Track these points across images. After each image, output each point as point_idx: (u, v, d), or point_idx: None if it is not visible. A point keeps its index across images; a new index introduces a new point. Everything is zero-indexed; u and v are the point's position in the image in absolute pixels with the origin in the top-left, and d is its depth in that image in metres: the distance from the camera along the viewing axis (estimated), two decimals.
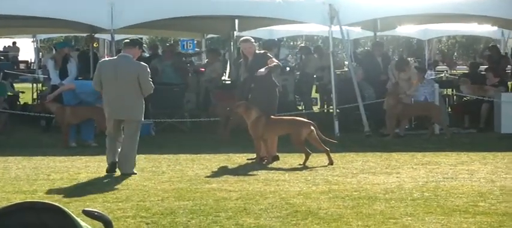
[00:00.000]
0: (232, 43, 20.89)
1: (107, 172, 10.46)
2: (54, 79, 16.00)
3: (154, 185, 9.62)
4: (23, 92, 21.15)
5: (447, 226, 7.28)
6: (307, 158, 11.27)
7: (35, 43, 29.52)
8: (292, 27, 25.36)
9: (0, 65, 30.54)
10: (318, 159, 11.47)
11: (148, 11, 15.23)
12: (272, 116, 11.73)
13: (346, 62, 20.88)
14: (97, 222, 3.33)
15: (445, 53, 55.60)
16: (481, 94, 16.67)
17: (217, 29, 21.79)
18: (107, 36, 24.11)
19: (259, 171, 10.70)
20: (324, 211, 7.90)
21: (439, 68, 36.42)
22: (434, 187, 9.31)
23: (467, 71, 22.34)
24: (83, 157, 12.10)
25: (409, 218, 7.58)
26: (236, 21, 19.76)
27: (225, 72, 20.86)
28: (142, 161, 11.37)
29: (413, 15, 17.99)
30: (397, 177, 10.15)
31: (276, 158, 11.72)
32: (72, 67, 16.00)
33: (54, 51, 19.59)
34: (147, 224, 7.49)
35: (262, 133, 11.54)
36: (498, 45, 23.84)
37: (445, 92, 19.40)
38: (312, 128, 11.44)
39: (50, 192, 9.33)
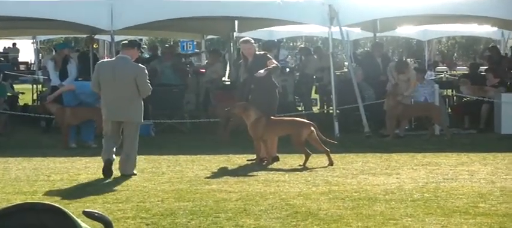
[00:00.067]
0: (232, 44, 20.90)
1: (103, 172, 10.33)
2: (54, 80, 16.00)
3: (154, 186, 9.62)
4: (23, 93, 21.15)
5: (447, 227, 7.28)
6: (307, 159, 11.27)
7: (35, 44, 29.54)
8: (291, 28, 25.36)
9: (0, 66, 30.58)
10: (318, 160, 11.47)
11: (148, 12, 15.23)
12: (272, 117, 11.73)
13: (346, 63, 20.90)
14: (97, 223, 3.33)
15: (444, 54, 55.64)
16: (481, 95, 16.67)
17: (217, 30, 21.80)
18: (106, 37, 24.15)
19: (259, 172, 10.70)
20: (324, 212, 7.90)
21: (439, 68, 36.41)
22: (434, 188, 9.31)
23: (467, 72, 22.34)
24: (83, 158, 12.09)
25: (409, 219, 7.57)
26: (236, 22, 19.76)
27: (225, 73, 20.85)
28: (142, 161, 11.37)
29: (413, 16, 17.99)
30: (397, 178, 10.15)
31: (276, 159, 11.72)
32: (72, 68, 16.00)
33: (54, 53, 19.61)
34: (147, 225, 7.49)
35: (262, 134, 11.54)
36: (498, 46, 23.82)
37: (445, 93, 19.41)
38: (312, 128, 11.44)
39: (50, 193, 9.33)
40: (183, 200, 8.65)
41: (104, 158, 10.44)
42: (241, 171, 10.82)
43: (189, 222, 7.54)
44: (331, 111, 16.62)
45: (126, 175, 10.40)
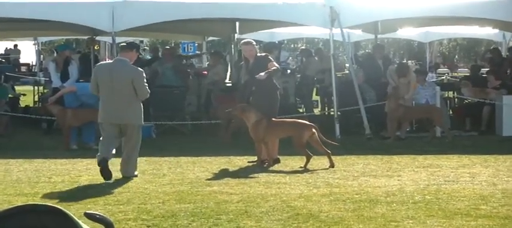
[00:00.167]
0: (232, 46, 20.90)
1: (101, 174, 10.14)
2: (56, 81, 16.02)
3: (155, 188, 9.62)
4: (24, 95, 21.16)
5: None
6: (308, 161, 11.27)
7: (36, 46, 29.57)
8: (293, 30, 25.36)
9: (2, 68, 30.61)
10: (319, 161, 11.47)
11: (149, 13, 15.24)
12: (273, 119, 11.73)
13: (347, 65, 20.91)
14: (98, 224, 3.33)
15: (446, 56, 55.61)
16: (482, 97, 16.66)
17: (218, 31, 21.80)
18: (108, 39, 24.13)
19: (260, 174, 10.69)
20: (325, 214, 7.90)
21: (440, 70, 36.40)
22: (435, 190, 9.30)
23: (468, 74, 22.33)
24: (84, 160, 12.09)
25: (410, 221, 7.57)
26: (237, 23, 19.76)
27: (227, 75, 20.85)
28: (143, 163, 11.37)
29: (414, 18, 17.99)
30: (398, 180, 10.15)
31: (277, 161, 11.71)
32: (73, 69, 16.02)
33: (55, 54, 19.61)
34: (148, 226, 7.49)
35: (264, 136, 11.54)
36: (499, 48, 23.81)
37: (446, 95, 19.40)
38: (314, 130, 11.43)
39: (51, 194, 9.33)
40: (184, 201, 8.65)
41: (98, 158, 10.23)
42: (242, 173, 10.82)
43: (190, 224, 7.54)
44: (332, 113, 16.61)
45: (127, 177, 10.39)
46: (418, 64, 33.17)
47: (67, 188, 9.81)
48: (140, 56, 15.83)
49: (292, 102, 18.27)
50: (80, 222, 3.17)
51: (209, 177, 10.46)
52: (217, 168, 11.31)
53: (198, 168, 11.31)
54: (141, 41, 45.92)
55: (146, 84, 10.60)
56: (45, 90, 20.11)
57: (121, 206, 8.42)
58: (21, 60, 41.30)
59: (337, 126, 15.05)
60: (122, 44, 11.23)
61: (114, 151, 10.52)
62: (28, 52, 38.48)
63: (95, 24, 15.56)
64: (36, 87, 22.26)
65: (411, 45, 54.17)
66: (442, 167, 11.34)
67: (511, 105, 15.66)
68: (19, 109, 18.80)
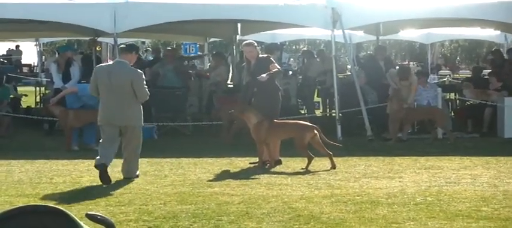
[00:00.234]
0: (234, 47, 20.90)
1: (100, 179, 10.08)
2: (57, 82, 16.03)
3: (157, 189, 9.62)
4: (26, 96, 21.17)
5: None
6: (309, 162, 11.27)
7: (38, 46, 29.58)
8: (294, 31, 25.36)
9: (3, 69, 30.63)
10: (321, 163, 11.46)
11: (151, 14, 15.24)
12: (275, 120, 11.73)
13: (349, 66, 20.90)
14: (100, 225, 3.34)
15: (447, 57, 55.63)
16: (484, 98, 16.65)
17: (220, 32, 21.81)
18: (109, 40, 24.17)
19: (262, 175, 10.69)
20: (326, 215, 7.90)
21: (441, 72, 36.43)
22: (437, 192, 9.30)
23: (470, 75, 22.32)
24: (85, 161, 12.09)
25: (411, 223, 7.57)
26: (238, 25, 19.76)
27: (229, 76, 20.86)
28: (144, 164, 11.37)
29: (416, 19, 17.98)
30: (399, 181, 10.14)
31: (279, 162, 11.71)
32: (75, 70, 16.03)
33: (57, 55, 19.61)
34: (150, 227, 7.49)
35: (265, 137, 11.54)
36: (501, 50, 23.81)
37: (447, 96, 19.40)
38: (316, 132, 11.43)
39: (52, 195, 9.34)
40: (185, 203, 8.65)
41: (97, 161, 10.16)
42: (244, 175, 10.82)
43: (191, 225, 7.55)
44: (333, 114, 16.60)
45: (128, 178, 10.39)
46: (420, 65, 33.20)
47: (68, 189, 9.82)
48: (141, 57, 15.81)
49: (294, 103, 18.26)
50: (81, 223, 3.18)
51: (210, 179, 10.46)
52: (218, 170, 11.31)
53: (199, 170, 11.32)
54: (143, 42, 45.94)
55: (146, 86, 10.58)
56: (47, 91, 20.12)
57: (122, 207, 8.42)
58: (23, 61, 41.32)
59: (338, 127, 15.05)
60: (121, 46, 11.22)
61: (112, 155, 10.45)
62: (30, 53, 38.51)
63: (96, 25, 15.56)
64: (37, 88, 22.26)
65: (413, 47, 54.17)
66: (444, 168, 11.34)
67: None
68: (21, 110, 18.81)
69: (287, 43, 41.16)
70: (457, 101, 19.37)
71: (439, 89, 16.44)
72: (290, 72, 22.94)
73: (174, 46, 35.19)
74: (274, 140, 11.70)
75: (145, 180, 10.29)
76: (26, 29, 20.18)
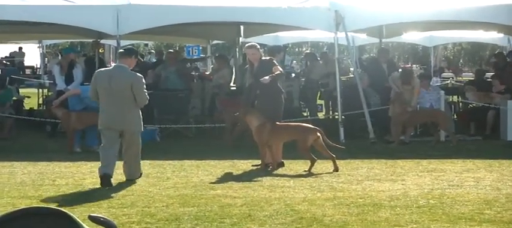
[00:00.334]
0: (237, 49, 20.91)
1: (101, 186, 10.10)
2: (60, 84, 16.04)
3: (159, 191, 9.62)
4: (28, 97, 21.19)
5: None
6: (312, 165, 11.26)
7: (40, 48, 29.57)
8: (297, 34, 25.36)
9: (6, 71, 30.64)
10: (323, 165, 11.46)
11: (153, 17, 15.24)
12: (277, 122, 11.73)
13: (352, 69, 20.89)
14: (102, 227, 3.33)
15: (450, 60, 55.60)
16: (487, 101, 16.65)
17: (223, 35, 21.82)
18: (112, 42, 24.17)
19: (264, 177, 10.69)
20: (328, 218, 7.89)
21: (444, 74, 36.41)
22: (439, 194, 9.29)
23: (473, 78, 22.31)
24: (88, 163, 12.09)
25: (414, 226, 7.56)
26: (241, 27, 19.77)
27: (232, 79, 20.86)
28: (147, 166, 11.37)
29: (419, 22, 17.98)
30: (402, 184, 10.13)
31: (281, 165, 11.70)
32: (77, 72, 16.04)
33: (60, 57, 19.62)
34: None
35: (267, 139, 11.53)
36: (504, 52, 23.79)
37: (450, 99, 19.38)
38: (318, 134, 11.42)
39: (55, 197, 9.34)
40: (188, 205, 8.65)
41: (100, 172, 10.18)
42: (246, 177, 10.81)
43: (193, 227, 7.54)
44: (336, 117, 16.60)
45: (131, 180, 10.39)
46: (423, 68, 33.19)
47: (71, 191, 9.82)
48: (144, 59, 15.80)
49: (297, 106, 18.26)
50: (83, 225, 3.18)
51: (213, 181, 10.46)
52: (221, 172, 11.31)
53: (202, 172, 11.31)
54: (146, 44, 45.96)
55: (146, 90, 10.55)
56: (50, 93, 20.14)
57: (125, 209, 8.42)
58: (26, 63, 41.38)
59: (341, 130, 15.05)
60: (120, 50, 11.19)
61: (115, 161, 10.41)
62: (33, 55, 38.55)
63: (99, 27, 15.56)
64: (40, 90, 22.30)
65: (416, 50, 54.19)
66: (446, 171, 11.32)
67: None
68: (23, 112, 18.81)
69: (290, 45, 41.19)
70: (460, 104, 19.36)
71: (442, 92, 16.44)
72: (293, 75, 22.93)
73: (177, 48, 35.17)
74: (277, 143, 11.70)
75: (148, 183, 10.29)
76: (29, 31, 20.19)
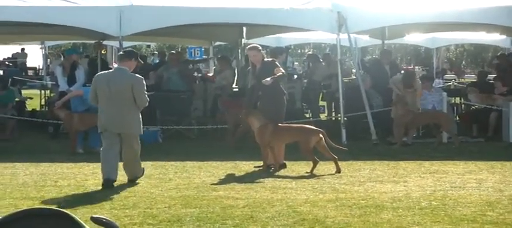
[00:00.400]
0: (239, 51, 20.91)
1: (103, 187, 10.12)
2: (62, 86, 16.06)
3: (161, 192, 9.62)
4: (31, 98, 21.20)
5: None
6: (314, 166, 11.26)
7: (43, 50, 29.62)
8: (300, 35, 25.38)
9: (9, 72, 30.68)
10: (325, 167, 11.46)
11: (156, 18, 15.25)
12: (280, 124, 11.72)
13: (354, 70, 20.89)
14: None
15: (453, 62, 55.55)
16: (489, 103, 16.64)
17: (225, 36, 21.83)
18: (115, 43, 24.18)
19: (266, 179, 10.69)
20: (331, 219, 7.89)
21: (447, 76, 36.35)
22: (442, 196, 9.29)
23: (475, 80, 22.30)
24: (90, 164, 12.10)
25: (416, 227, 7.56)
26: (244, 28, 19.77)
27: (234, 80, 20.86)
28: (149, 168, 11.37)
29: (421, 24, 17.98)
30: (404, 185, 10.13)
31: (283, 166, 11.70)
32: (80, 74, 16.05)
33: (62, 58, 19.63)
34: None
35: (269, 141, 11.53)
36: (506, 54, 23.77)
37: (453, 101, 19.37)
38: (321, 135, 11.42)
39: (57, 198, 9.34)
40: (190, 206, 8.65)
41: (103, 177, 10.19)
42: (249, 178, 10.81)
43: None
44: (338, 118, 16.60)
45: (133, 180, 10.39)
46: (425, 70, 33.14)
47: (73, 192, 9.82)
48: (141, 62, 15.78)
49: (299, 107, 18.26)
50: (86, 226, 3.18)
51: (215, 182, 10.46)
52: (223, 173, 11.31)
53: (204, 173, 11.32)
54: (148, 46, 45.98)
55: (146, 92, 10.53)
56: (52, 94, 20.15)
57: (127, 210, 8.42)
58: (28, 64, 41.41)
59: (343, 131, 15.04)
60: (120, 53, 11.17)
61: (117, 165, 10.40)
62: (35, 56, 38.61)
63: (102, 28, 15.55)
64: (42, 91, 22.31)
65: (418, 51, 54.18)
66: (449, 173, 11.32)
67: None
68: (26, 113, 18.83)
69: (292, 47, 41.16)
70: (462, 106, 19.34)
71: (445, 94, 16.43)
72: (295, 76, 22.93)
73: (179, 49, 35.18)
74: (279, 144, 11.70)
75: (150, 184, 10.29)
76: (31, 32, 20.20)
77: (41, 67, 36.94)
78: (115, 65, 13.63)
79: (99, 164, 10.40)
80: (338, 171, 11.20)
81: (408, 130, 15.22)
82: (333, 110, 19.29)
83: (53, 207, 3.30)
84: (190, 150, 14.14)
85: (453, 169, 11.68)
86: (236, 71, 19.96)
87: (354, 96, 16.05)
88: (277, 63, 12.17)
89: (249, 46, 12.68)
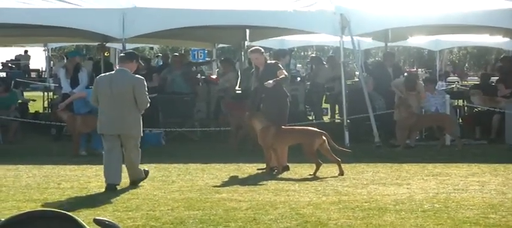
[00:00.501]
0: (243, 53, 20.91)
1: (106, 190, 10.12)
2: (65, 88, 16.07)
3: (164, 195, 9.62)
4: (34, 100, 21.21)
5: None
6: (317, 168, 11.26)
7: (46, 52, 29.65)
8: (303, 37, 25.34)
9: (12, 74, 30.72)
10: (328, 169, 11.45)
11: (159, 20, 15.25)
12: (283, 126, 11.72)
13: (357, 72, 20.88)
14: None
15: (456, 64, 55.54)
16: (492, 105, 16.62)
17: (228, 38, 21.82)
18: (118, 45, 24.20)
19: (269, 181, 10.69)
20: (333, 222, 7.89)
21: (450, 79, 36.34)
22: (444, 198, 9.28)
23: (478, 82, 22.28)
24: (93, 166, 12.10)
25: None
26: (247, 31, 19.77)
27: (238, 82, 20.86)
28: (152, 170, 11.35)
29: (424, 26, 17.96)
30: (407, 188, 10.12)
31: (286, 168, 11.70)
32: (83, 76, 16.07)
33: (65, 60, 19.64)
34: None
35: (272, 143, 11.53)
36: (509, 56, 23.73)
37: (456, 103, 19.36)
38: (324, 138, 11.42)
39: (60, 200, 9.34)
40: (193, 208, 8.65)
41: (106, 181, 10.18)
42: (251, 181, 10.81)
43: None
44: (342, 120, 16.58)
45: (135, 182, 10.39)
46: (428, 72, 33.12)
47: (76, 194, 9.83)
48: (142, 64, 15.77)
49: (302, 109, 18.26)
50: None
51: (218, 184, 10.46)
52: (226, 176, 11.32)
53: (207, 175, 11.32)
54: (151, 48, 45.99)
55: (147, 93, 10.53)
56: (55, 96, 20.17)
57: (130, 213, 8.43)
58: (31, 66, 41.46)
59: (346, 134, 15.04)
60: (121, 55, 11.16)
61: (120, 167, 10.39)
62: (38, 58, 38.62)
63: (105, 30, 15.56)
64: (45, 93, 22.33)
65: (421, 54, 54.15)
66: (452, 175, 11.31)
67: None
68: (28, 115, 18.85)
69: (295, 49, 41.19)
70: (465, 108, 19.33)
71: (447, 96, 16.43)
72: (298, 79, 22.92)
73: (183, 52, 35.20)
74: (282, 146, 11.70)
75: (153, 186, 10.30)
76: (34, 34, 20.21)
77: (44, 69, 36.96)
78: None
79: (102, 166, 10.40)
80: (341, 173, 11.20)
81: (411, 132, 15.21)
82: (336, 112, 19.28)
83: (56, 209, 3.30)
84: (193, 152, 14.15)
85: (456, 171, 11.67)
86: (239, 73, 19.96)
87: (357, 99, 16.05)
88: (280, 66, 12.16)
89: (250, 49, 12.68)
